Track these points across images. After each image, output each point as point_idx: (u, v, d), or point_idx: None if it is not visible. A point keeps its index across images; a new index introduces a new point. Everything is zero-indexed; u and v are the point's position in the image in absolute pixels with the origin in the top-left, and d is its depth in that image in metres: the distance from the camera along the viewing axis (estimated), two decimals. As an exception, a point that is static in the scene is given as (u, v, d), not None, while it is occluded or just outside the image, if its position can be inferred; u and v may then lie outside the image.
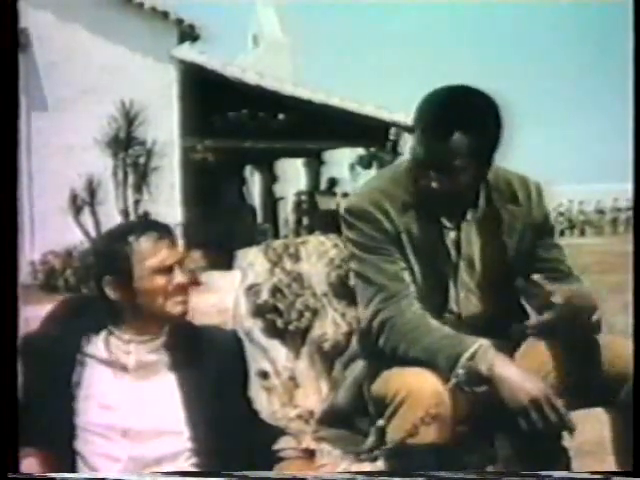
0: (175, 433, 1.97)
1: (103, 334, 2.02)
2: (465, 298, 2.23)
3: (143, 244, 1.99)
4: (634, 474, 2.04)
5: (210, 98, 11.68)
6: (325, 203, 15.35)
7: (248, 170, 16.25)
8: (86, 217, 9.68)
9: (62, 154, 10.63)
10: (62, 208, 9.58)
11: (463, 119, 2.10)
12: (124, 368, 1.99)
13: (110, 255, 2.00)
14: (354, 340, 2.40)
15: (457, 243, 2.22)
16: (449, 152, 2.09)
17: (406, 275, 2.19)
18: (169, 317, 2.01)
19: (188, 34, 12.00)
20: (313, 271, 2.60)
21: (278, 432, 2.12)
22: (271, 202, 15.90)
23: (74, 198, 9.79)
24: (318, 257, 2.61)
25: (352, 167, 16.42)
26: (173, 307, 2.00)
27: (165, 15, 11.69)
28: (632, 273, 2.15)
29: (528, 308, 2.30)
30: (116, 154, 10.49)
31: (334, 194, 15.82)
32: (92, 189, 9.80)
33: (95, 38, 11.35)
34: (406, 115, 13.80)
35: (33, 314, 2.15)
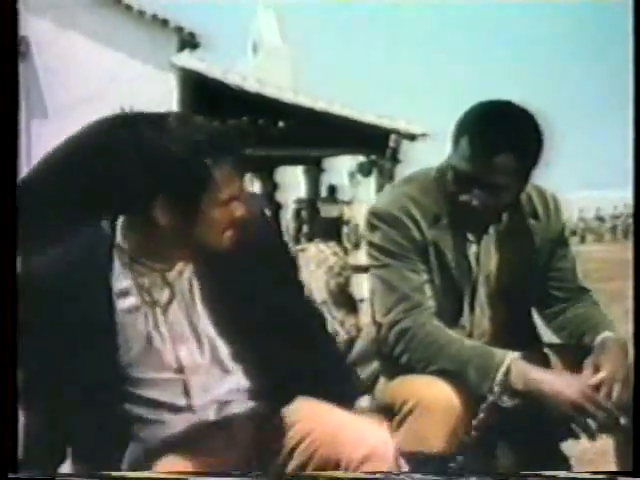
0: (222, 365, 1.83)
1: (127, 266, 1.79)
2: (479, 316, 2.22)
3: (220, 171, 1.71)
4: (634, 474, 2.03)
5: (210, 105, 11.68)
6: (327, 210, 15.36)
7: (248, 178, 16.26)
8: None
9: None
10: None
11: (514, 138, 2.06)
12: (155, 303, 1.80)
13: (174, 174, 1.69)
14: (358, 346, 2.39)
15: (477, 257, 2.21)
16: (497, 170, 2.05)
17: (428, 288, 2.16)
18: (217, 249, 1.77)
19: (188, 41, 12.01)
20: (312, 279, 2.59)
21: None
22: (271, 209, 15.91)
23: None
24: (317, 265, 2.61)
25: (352, 175, 16.44)
26: (224, 240, 1.76)
27: (165, 23, 11.71)
28: (632, 280, 2.14)
29: (542, 326, 2.31)
30: (116, 161, 10.45)
31: (336, 201, 15.84)
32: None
33: (95, 46, 11.37)
34: (406, 122, 13.83)
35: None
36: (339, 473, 1.81)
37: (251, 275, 1.83)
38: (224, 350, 1.82)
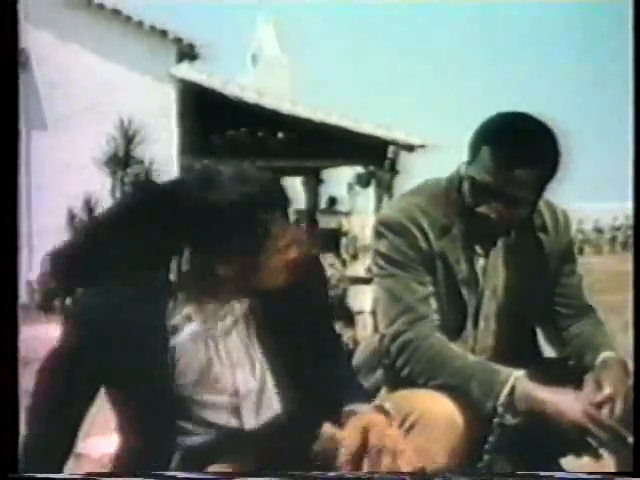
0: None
1: (188, 300, 1.86)
2: (483, 331, 2.20)
3: (276, 222, 1.78)
4: (634, 474, 2.01)
5: (209, 116, 11.70)
6: (325, 222, 15.34)
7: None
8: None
9: (61, 173, 10.62)
10: (60, 227, 9.55)
11: (535, 151, 2.05)
12: (213, 337, 1.88)
13: (232, 233, 1.76)
14: (355, 360, 2.37)
15: (485, 270, 2.19)
16: (517, 182, 2.03)
17: (433, 301, 2.14)
18: (274, 289, 1.85)
19: (187, 53, 12.01)
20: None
21: None
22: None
23: (72, 217, 9.77)
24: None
25: (350, 186, 16.41)
26: (280, 280, 1.83)
27: (164, 34, 11.71)
28: (632, 292, 2.13)
29: (545, 343, 2.30)
30: (114, 173, 10.48)
31: (334, 212, 15.81)
32: (90, 208, 9.78)
33: (94, 57, 11.36)
34: (405, 134, 13.83)
35: (31, 334, 2.13)
36: (341, 473, 1.80)
37: (295, 309, 1.89)
38: (270, 378, 1.90)
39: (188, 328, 1.86)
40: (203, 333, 1.86)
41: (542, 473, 2.02)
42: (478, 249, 2.17)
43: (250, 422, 1.87)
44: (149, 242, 1.85)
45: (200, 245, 1.78)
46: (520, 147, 2.04)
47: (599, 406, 2.00)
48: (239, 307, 1.89)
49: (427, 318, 2.11)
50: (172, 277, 1.83)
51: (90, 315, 1.84)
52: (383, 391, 2.20)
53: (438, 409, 2.01)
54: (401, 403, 2.06)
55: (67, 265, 1.94)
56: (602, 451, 2.02)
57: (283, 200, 1.82)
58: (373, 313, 2.35)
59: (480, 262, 2.18)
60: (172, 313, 1.85)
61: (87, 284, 1.90)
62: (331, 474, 1.84)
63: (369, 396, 2.06)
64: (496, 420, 1.99)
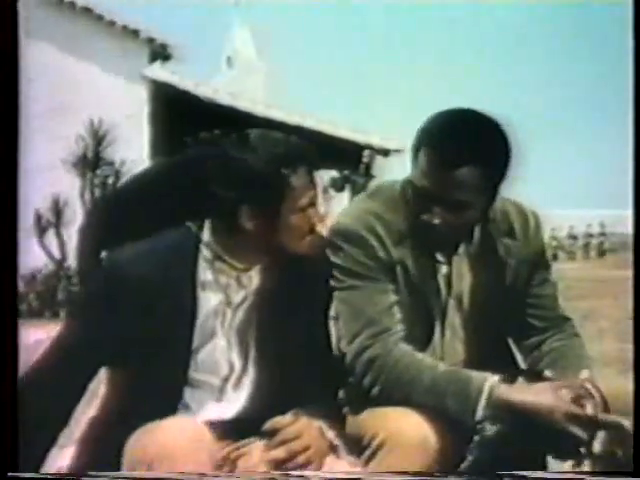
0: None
1: (209, 263, 1.95)
2: (450, 341, 2.11)
3: (297, 180, 1.92)
4: (634, 474, 1.96)
5: (181, 118, 11.60)
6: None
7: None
8: (50, 238, 9.55)
9: (30, 173, 10.51)
10: (27, 229, 9.44)
11: (476, 151, 1.93)
12: (230, 304, 1.96)
13: (257, 185, 1.90)
14: None
15: (448, 279, 2.09)
16: (458, 186, 1.92)
17: (397, 311, 2.05)
18: (298, 253, 1.95)
19: (160, 53, 11.96)
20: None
21: None
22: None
23: (38, 219, 9.68)
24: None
25: (325, 190, 16.42)
26: (304, 245, 1.95)
27: (136, 33, 11.64)
28: (632, 298, 2.09)
29: (517, 355, 2.23)
30: (84, 174, 10.39)
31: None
32: (58, 210, 9.69)
33: (64, 56, 11.27)
34: (381, 138, 13.83)
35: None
36: (338, 473, 1.80)
37: (297, 294, 1.98)
38: (251, 370, 1.96)
39: (209, 295, 1.93)
40: (221, 302, 1.94)
41: (516, 473, 1.98)
42: (439, 257, 2.09)
43: (230, 408, 1.92)
44: (182, 203, 2.00)
45: (231, 202, 1.90)
46: (457, 146, 1.93)
47: (580, 400, 1.91)
48: (255, 281, 1.95)
49: (390, 330, 2.02)
50: (205, 235, 1.94)
51: (117, 272, 1.93)
52: (345, 412, 2.11)
53: (408, 427, 1.92)
54: (368, 421, 1.98)
55: (101, 222, 2.11)
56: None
57: (307, 160, 1.95)
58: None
59: (443, 270, 2.10)
60: (198, 275, 1.93)
61: (117, 242, 2.01)
62: (329, 474, 1.81)
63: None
64: (476, 437, 1.92)
